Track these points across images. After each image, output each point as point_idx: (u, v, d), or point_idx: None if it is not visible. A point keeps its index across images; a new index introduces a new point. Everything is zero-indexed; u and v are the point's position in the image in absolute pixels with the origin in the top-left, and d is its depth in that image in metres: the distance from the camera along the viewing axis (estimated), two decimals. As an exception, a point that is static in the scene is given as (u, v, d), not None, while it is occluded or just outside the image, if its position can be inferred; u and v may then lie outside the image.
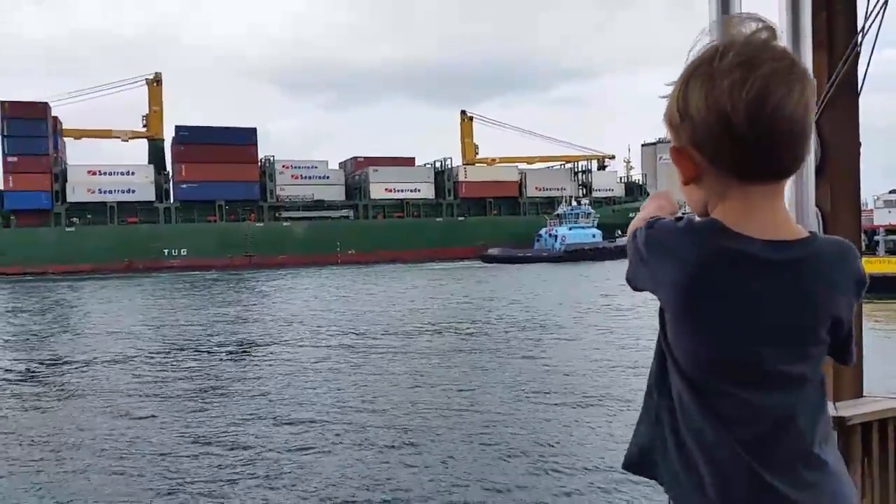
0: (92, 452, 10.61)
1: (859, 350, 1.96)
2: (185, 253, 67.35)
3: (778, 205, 1.18)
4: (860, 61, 2.61)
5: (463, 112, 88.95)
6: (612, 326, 22.44)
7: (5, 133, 64.84)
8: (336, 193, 77.19)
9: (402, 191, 77.89)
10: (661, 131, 1.25)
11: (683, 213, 1.27)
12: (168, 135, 73.70)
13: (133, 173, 70.22)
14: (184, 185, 69.78)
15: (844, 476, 1.22)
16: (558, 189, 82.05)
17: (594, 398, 13.11)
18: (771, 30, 1.14)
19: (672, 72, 1.21)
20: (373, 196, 76.51)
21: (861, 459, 2.62)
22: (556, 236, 69.29)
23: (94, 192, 67.58)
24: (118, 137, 75.59)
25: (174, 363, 18.21)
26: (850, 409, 2.60)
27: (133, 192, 69.13)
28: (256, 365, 17.82)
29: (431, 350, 19.24)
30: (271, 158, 74.72)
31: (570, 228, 69.59)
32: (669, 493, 1.24)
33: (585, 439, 10.73)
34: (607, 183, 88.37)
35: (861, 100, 2.66)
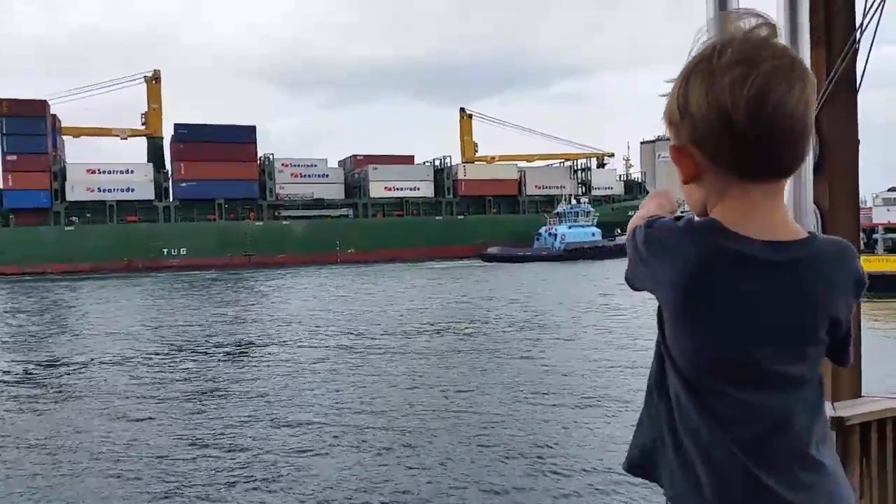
0: (89, 455, 10.59)
1: (857, 350, 1.94)
2: (185, 252, 67.26)
3: (778, 204, 1.18)
4: (859, 58, 2.59)
5: (462, 110, 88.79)
6: (611, 326, 22.45)
7: (4, 131, 64.58)
8: (335, 192, 77.16)
9: (401, 189, 77.82)
10: (660, 129, 1.24)
11: (683, 212, 1.27)
12: (167, 133, 73.69)
13: (132, 172, 70.11)
14: (183, 184, 69.69)
15: (841, 478, 1.22)
16: (558, 187, 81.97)
17: (593, 398, 13.10)
18: (771, 27, 1.14)
19: (671, 69, 1.21)
20: (372, 194, 76.47)
21: (859, 459, 2.61)
22: (555, 235, 69.21)
23: (93, 191, 67.47)
24: (117, 136, 75.45)
25: (172, 364, 18.20)
26: (848, 410, 2.59)
27: (132, 190, 69.03)
28: (254, 366, 17.80)
29: (430, 350, 19.23)
30: (271, 157, 74.65)
31: (570, 227, 69.49)
32: (667, 494, 1.24)
33: (584, 440, 10.72)
34: (607, 181, 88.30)
35: (860, 97, 2.64)
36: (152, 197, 69.73)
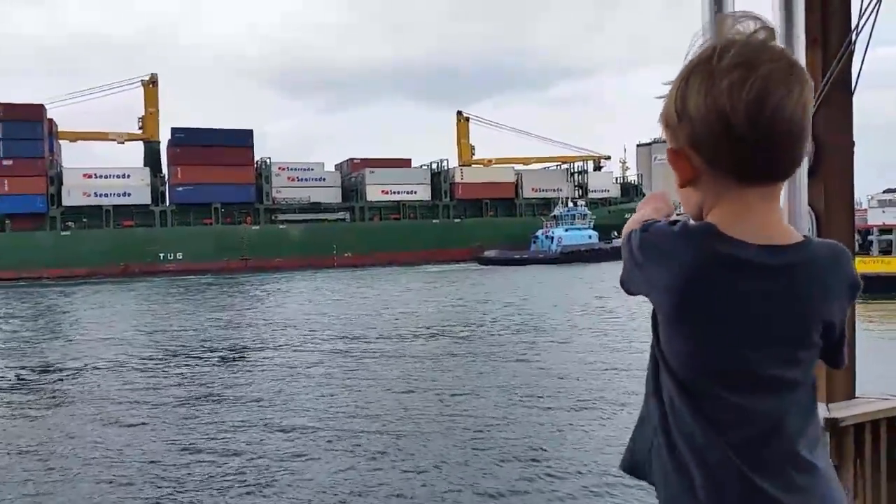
0: (81, 460, 10.54)
1: (852, 351, 1.93)
2: (181, 257, 67.11)
3: (774, 207, 1.18)
4: (854, 59, 2.58)
5: (459, 113, 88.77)
6: (606, 328, 22.47)
7: (0, 136, 64.63)
8: (332, 195, 77.12)
9: (398, 192, 77.80)
10: (657, 132, 1.23)
11: (678, 216, 1.26)
12: (164, 137, 73.64)
13: (129, 176, 69.96)
14: (179, 188, 69.56)
15: (834, 480, 1.22)
16: (554, 190, 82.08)
17: (588, 401, 13.10)
18: (769, 30, 1.14)
19: (668, 72, 1.21)
20: (369, 198, 76.47)
21: (853, 460, 2.61)
22: (552, 238, 69.27)
23: (89, 196, 67.32)
24: (114, 140, 75.30)
25: (166, 369, 18.14)
26: (842, 411, 2.58)
27: (129, 195, 68.87)
28: (249, 370, 17.76)
29: (425, 354, 19.21)
30: (267, 160, 74.60)
31: (567, 230, 69.55)
32: (660, 496, 1.24)
33: (579, 443, 10.71)
34: (603, 184, 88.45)
35: (855, 98, 2.63)
36: (149, 201, 69.61)
